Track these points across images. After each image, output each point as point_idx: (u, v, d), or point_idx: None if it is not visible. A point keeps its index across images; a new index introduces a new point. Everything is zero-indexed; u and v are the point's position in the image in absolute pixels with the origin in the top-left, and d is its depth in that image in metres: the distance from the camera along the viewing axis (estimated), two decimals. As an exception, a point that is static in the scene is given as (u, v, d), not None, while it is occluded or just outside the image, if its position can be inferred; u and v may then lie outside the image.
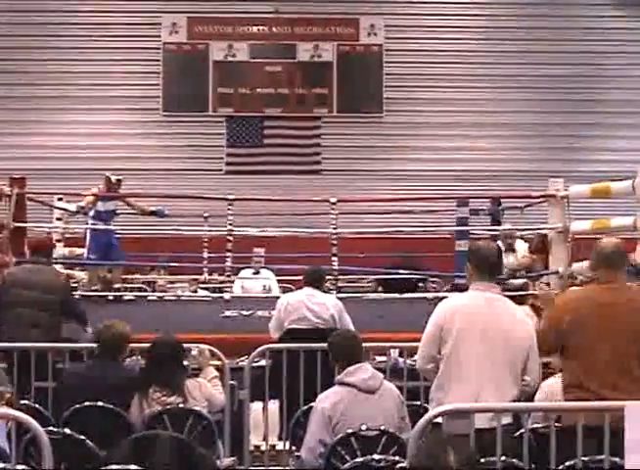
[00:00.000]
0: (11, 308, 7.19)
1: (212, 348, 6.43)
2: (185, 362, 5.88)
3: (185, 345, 5.89)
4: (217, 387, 5.90)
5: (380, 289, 12.13)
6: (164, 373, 5.49)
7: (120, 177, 11.22)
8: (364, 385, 4.96)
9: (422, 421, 4.09)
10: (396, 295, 10.50)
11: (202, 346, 6.30)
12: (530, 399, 4.82)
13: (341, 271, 10.30)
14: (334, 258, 9.56)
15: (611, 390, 4.42)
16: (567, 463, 4.17)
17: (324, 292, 7.75)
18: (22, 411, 4.30)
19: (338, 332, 5.93)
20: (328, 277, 9.63)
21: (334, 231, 9.57)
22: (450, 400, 4.33)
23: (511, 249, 10.25)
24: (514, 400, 4.42)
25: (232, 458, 6.10)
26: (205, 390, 5.65)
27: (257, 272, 13.02)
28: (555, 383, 5.41)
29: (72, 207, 11.39)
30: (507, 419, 4.30)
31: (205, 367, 6.11)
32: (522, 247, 9.97)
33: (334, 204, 9.67)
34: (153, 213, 11.64)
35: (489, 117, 18.14)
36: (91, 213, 11.02)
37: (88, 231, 11.07)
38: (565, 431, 4.31)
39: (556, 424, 4.41)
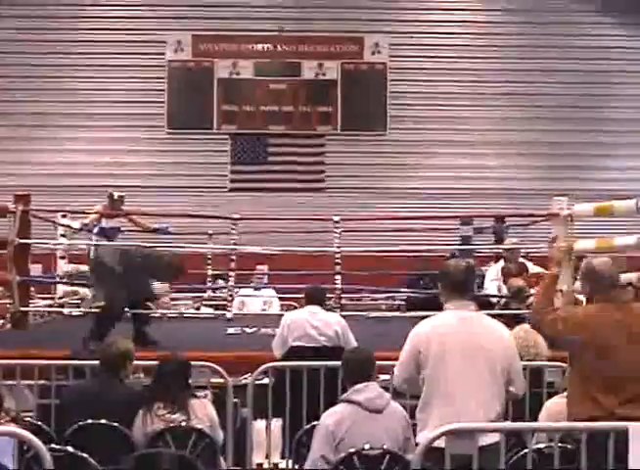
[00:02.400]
0: None
1: (215, 365, 6.42)
2: (190, 381, 5.85)
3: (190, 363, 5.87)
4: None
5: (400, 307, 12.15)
6: (170, 390, 5.48)
7: (123, 194, 11.23)
8: (370, 404, 4.94)
9: (424, 441, 4.08)
10: (397, 313, 10.51)
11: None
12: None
13: (345, 290, 10.26)
14: (337, 277, 9.52)
15: None
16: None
17: (327, 310, 7.76)
18: (24, 428, 4.30)
19: (352, 349, 5.94)
20: (331, 295, 9.65)
21: (337, 250, 9.54)
22: (434, 422, 4.35)
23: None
24: (499, 416, 4.43)
25: (238, 468, 6.08)
26: (210, 411, 5.61)
27: (258, 289, 13.00)
28: (558, 403, 5.40)
29: (76, 224, 11.39)
30: (495, 438, 4.29)
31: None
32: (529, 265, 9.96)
33: (337, 222, 9.66)
34: (156, 231, 11.64)
35: (493, 135, 18.17)
36: (95, 230, 11.03)
37: (92, 248, 11.07)
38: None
39: (559, 444, 4.39)
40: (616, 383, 4.57)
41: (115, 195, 11.05)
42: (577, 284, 9.00)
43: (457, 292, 4.62)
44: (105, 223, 10.96)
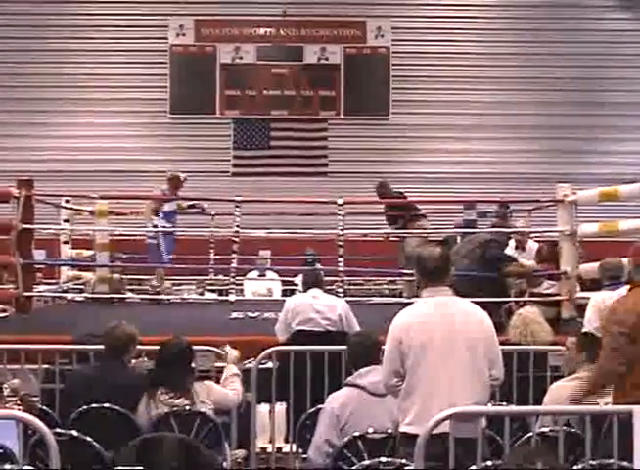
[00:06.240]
0: None
1: (219, 350, 6.42)
2: (193, 365, 5.86)
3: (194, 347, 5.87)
4: (234, 384, 5.87)
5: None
6: (173, 375, 5.48)
7: (185, 175, 11.46)
8: (374, 388, 4.93)
9: (428, 425, 4.07)
10: (403, 299, 10.49)
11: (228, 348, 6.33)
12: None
13: (347, 273, 10.24)
14: (340, 260, 9.50)
15: None
16: (575, 468, 4.17)
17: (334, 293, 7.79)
18: (31, 410, 4.30)
19: (356, 333, 5.94)
20: (335, 279, 9.65)
21: (340, 232, 9.52)
22: (418, 410, 4.31)
23: (522, 246, 10.22)
24: (484, 402, 4.42)
25: (243, 451, 6.11)
26: (214, 393, 5.62)
27: (263, 274, 13.04)
28: (562, 386, 5.40)
29: (173, 206, 11.44)
30: (482, 423, 4.30)
31: (229, 364, 6.12)
32: (534, 247, 9.94)
33: (341, 205, 9.64)
34: (192, 207, 11.95)
35: (496, 119, 18.11)
36: (161, 215, 11.11)
37: (160, 233, 11.07)
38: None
39: (564, 427, 4.39)
40: None
41: (182, 176, 11.22)
42: (582, 267, 9.06)
43: (433, 279, 4.55)
44: (167, 207, 11.13)
